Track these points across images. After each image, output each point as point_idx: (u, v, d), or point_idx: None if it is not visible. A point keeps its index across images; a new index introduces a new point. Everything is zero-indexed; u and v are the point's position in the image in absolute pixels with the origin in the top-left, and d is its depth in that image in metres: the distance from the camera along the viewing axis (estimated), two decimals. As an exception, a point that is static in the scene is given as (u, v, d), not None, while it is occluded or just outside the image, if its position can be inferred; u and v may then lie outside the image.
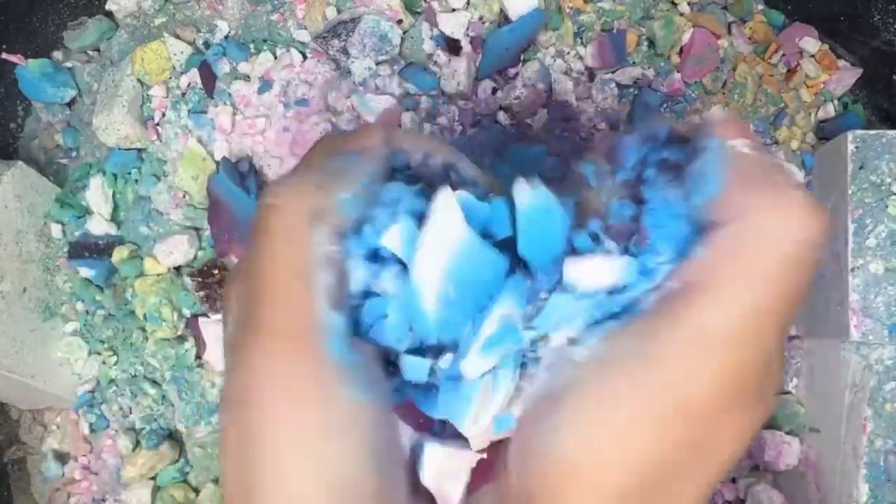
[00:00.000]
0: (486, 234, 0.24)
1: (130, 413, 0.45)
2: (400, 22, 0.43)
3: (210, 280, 0.43)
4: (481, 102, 0.43)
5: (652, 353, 0.20)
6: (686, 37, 0.44)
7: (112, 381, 0.45)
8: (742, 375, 0.20)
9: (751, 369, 0.20)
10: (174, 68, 0.45)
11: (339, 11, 0.44)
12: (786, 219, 0.20)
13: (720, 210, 0.20)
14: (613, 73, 0.44)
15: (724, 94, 0.44)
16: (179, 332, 0.44)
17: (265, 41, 0.46)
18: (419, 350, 0.23)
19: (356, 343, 0.22)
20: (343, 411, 0.20)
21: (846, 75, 0.45)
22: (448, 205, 0.23)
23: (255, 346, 0.21)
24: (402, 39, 0.43)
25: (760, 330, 0.20)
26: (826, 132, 0.45)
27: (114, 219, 0.46)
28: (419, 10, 0.45)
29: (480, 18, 0.44)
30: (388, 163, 0.25)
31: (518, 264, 0.24)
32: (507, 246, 0.24)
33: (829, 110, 0.45)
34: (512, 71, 0.43)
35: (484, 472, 0.25)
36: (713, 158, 0.21)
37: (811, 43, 0.45)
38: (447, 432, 0.25)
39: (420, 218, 0.23)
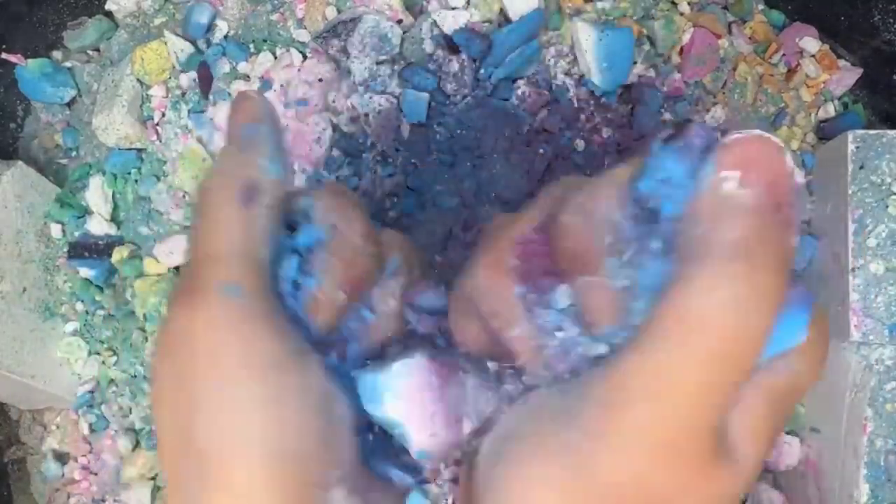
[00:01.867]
0: None
1: (130, 413, 0.45)
2: (400, 22, 0.43)
3: (210, 280, 0.43)
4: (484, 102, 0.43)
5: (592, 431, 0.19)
6: (686, 37, 0.44)
7: (112, 381, 0.45)
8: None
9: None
10: (174, 67, 0.45)
11: (339, 11, 0.44)
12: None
13: (685, 225, 0.18)
14: (613, 73, 0.44)
15: (723, 94, 0.44)
16: (179, 332, 0.44)
17: (265, 41, 0.46)
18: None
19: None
20: (282, 350, 0.22)
21: (846, 75, 0.45)
22: None
23: (194, 294, 0.22)
24: (402, 39, 0.43)
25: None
26: (826, 132, 0.45)
27: (114, 219, 0.46)
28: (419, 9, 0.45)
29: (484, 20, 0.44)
30: (278, 121, 0.26)
31: None
32: None
33: (829, 110, 0.45)
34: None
35: None
36: (706, 174, 0.18)
37: (811, 43, 0.45)
38: None
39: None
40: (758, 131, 0.18)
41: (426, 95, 0.42)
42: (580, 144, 0.43)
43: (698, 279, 0.17)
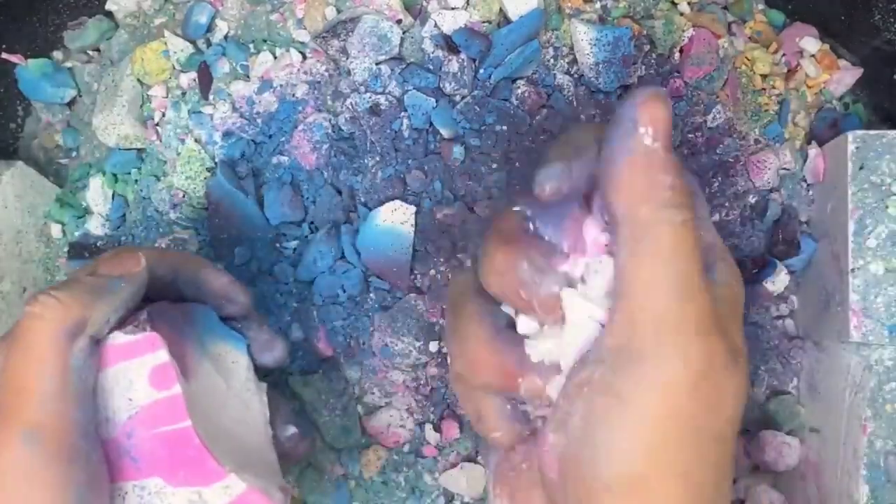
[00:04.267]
0: None
1: (130, 413, 0.45)
2: (399, 22, 0.43)
3: (210, 280, 0.43)
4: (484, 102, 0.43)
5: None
6: (686, 37, 0.44)
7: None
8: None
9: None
10: (174, 67, 0.45)
11: (338, 11, 0.44)
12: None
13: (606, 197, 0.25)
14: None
15: (724, 93, 0.44)
16: (179, 332, 0.44)
17: (265, 41, 0.46)
18: None
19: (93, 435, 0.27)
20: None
21: (846, 75, 0.45)
22: None
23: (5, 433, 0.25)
24: (402, 39, 0.43)
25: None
26: (826, 132, 0.45)
27: (114, 219, 0.46)
28: (418, 8, 0.45)
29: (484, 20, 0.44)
30: (145, 285, 0.30)
31: None
32: None
33: (830, 110, 0.45)
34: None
35: None
36: (619, 136, 0.24)
37: (811, 43, 0.45)
38: None
39: None
40: (652, 88, 0.24)
41: (433, 101, 0.42)
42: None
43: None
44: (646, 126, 0.24)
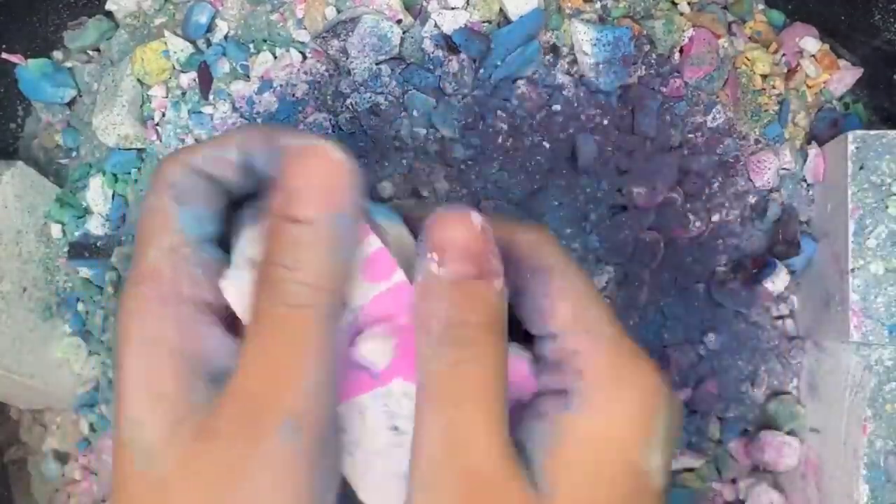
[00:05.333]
0: None
1: (130, 413, 0.45)
2: (399, 22, 0.43)
3: (210, 280, 0.43)
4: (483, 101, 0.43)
5: None
6: (686, 37, 0.44)
7: (112, 381, 0.45)
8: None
9: None
10: (174, 67, 0.45)
11: (338, 11, 0.44)
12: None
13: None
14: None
15: (724, 93, 0.44)
16: (179, 332, 0.44)
17: (265, 41, 0.46)
18: None
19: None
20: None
21: (847, 75, 0.45)
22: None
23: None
24: (402, 39, 0.43)
25: None
26: (826, 132, 0.45)
27: (114, 219, 0.46)
28: (418, 8, 0.45)
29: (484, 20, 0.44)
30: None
31: None
32: None
33: (830, 110, 0.45)
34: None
35: None
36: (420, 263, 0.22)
37: (811, 43, 0.45)
38: None
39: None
40: (441, 209, 0.22)
41: (433, 101, 0.42)
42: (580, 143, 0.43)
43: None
44: (431, 252, 0.22)
